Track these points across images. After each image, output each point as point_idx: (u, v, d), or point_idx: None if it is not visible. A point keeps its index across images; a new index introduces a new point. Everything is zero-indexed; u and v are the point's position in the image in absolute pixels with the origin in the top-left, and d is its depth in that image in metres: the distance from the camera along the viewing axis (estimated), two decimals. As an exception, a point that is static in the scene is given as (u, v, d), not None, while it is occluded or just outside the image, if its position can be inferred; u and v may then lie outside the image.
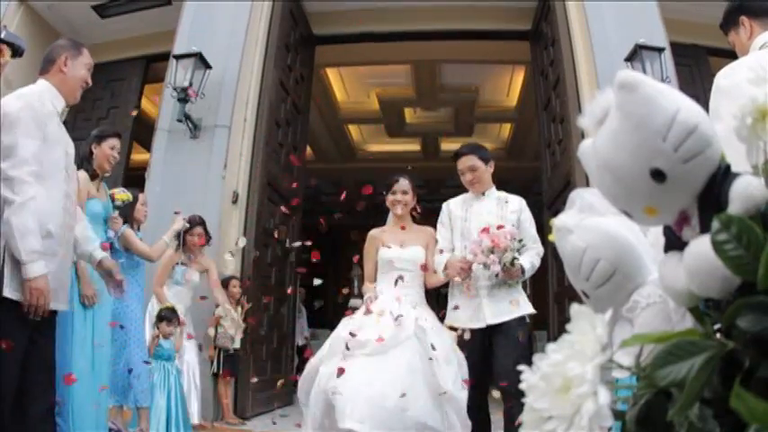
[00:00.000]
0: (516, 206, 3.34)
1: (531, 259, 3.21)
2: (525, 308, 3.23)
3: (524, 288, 3.39)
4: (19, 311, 2.27)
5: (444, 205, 3.48)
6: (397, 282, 3.33)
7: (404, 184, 3.52)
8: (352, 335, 3.04)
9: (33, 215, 2.29)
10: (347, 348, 2.96)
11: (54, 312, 2.49)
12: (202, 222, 4.76)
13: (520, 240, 3.16)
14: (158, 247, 4.12)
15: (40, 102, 2.45)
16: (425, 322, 3.12)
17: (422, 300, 3.39)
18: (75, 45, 2.69)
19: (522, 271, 3.15)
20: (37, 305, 2.28)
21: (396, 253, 3.41)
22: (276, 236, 5.83)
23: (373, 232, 3.58)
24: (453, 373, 2.97)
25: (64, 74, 2.59)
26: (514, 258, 3.08)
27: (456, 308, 3.28)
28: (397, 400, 2.77)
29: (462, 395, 2.94)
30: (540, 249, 3.29)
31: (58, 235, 2.46)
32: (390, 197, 3.53)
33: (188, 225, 4.47)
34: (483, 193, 3.38)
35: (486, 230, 3.12)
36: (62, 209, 2.49)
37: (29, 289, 2.26)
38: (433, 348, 2.97)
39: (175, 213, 4.44)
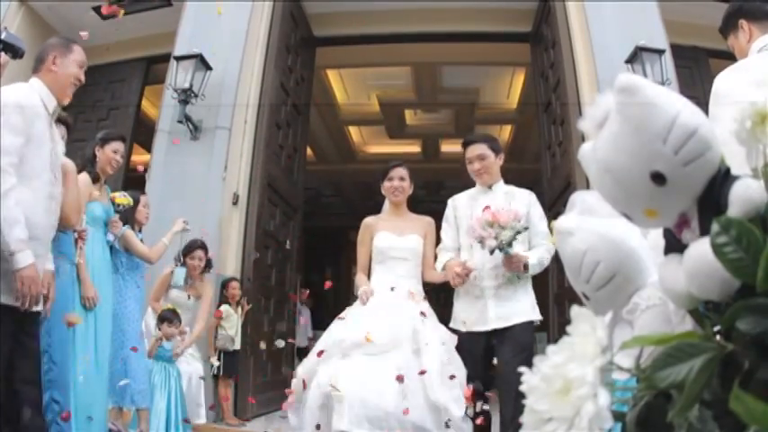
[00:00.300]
0: (525, 200, 3.18)
1: (538, 255, 3.04)
2: (532, 312, 3.09)
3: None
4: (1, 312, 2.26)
5: (450, 201, 3.32)
6: (391, 274, 3.22)
7: (401, 170, 3.40)
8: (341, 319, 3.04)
9: (17, 204, 2.26)
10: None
11: (37, 313, 2.46)
12: (203, 246, 4.62)
13: (526, 228, 2.98)
14: (157, 248, 4.11)
15: (28, 99, 2.43)
16: (421, 324, 3.00)
17: (418, 292, 3.25)
18: (64, 43, 2.66)
19: (526, 266, 2.99)
20: (30, 294, 2.27)
21: (392, 241, 3.29)
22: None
23: (368, 219, 3.44)
24: (448, 385, 2.84)
25: (54, 72, 2.56)
26: (513, 239, 2.90)
27: (459, 309, 3.16)
28: (393, 403, 2.71)
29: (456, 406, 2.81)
30: (551, 246, 3.06)
31: (40, 237, 2.43)
32: (387, 183, 3.39)
33: (188, 228, 4.43)
34: (490, 187, 3.22)
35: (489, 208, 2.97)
36: (45, 210, 2.46)
37: (20, 279, 2.24)
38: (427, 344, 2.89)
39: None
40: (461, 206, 3.25)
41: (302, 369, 3.05)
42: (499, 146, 3.32)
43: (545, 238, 3.12)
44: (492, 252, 2.93)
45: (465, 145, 3.29)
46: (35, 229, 2.36)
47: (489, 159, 3.21)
